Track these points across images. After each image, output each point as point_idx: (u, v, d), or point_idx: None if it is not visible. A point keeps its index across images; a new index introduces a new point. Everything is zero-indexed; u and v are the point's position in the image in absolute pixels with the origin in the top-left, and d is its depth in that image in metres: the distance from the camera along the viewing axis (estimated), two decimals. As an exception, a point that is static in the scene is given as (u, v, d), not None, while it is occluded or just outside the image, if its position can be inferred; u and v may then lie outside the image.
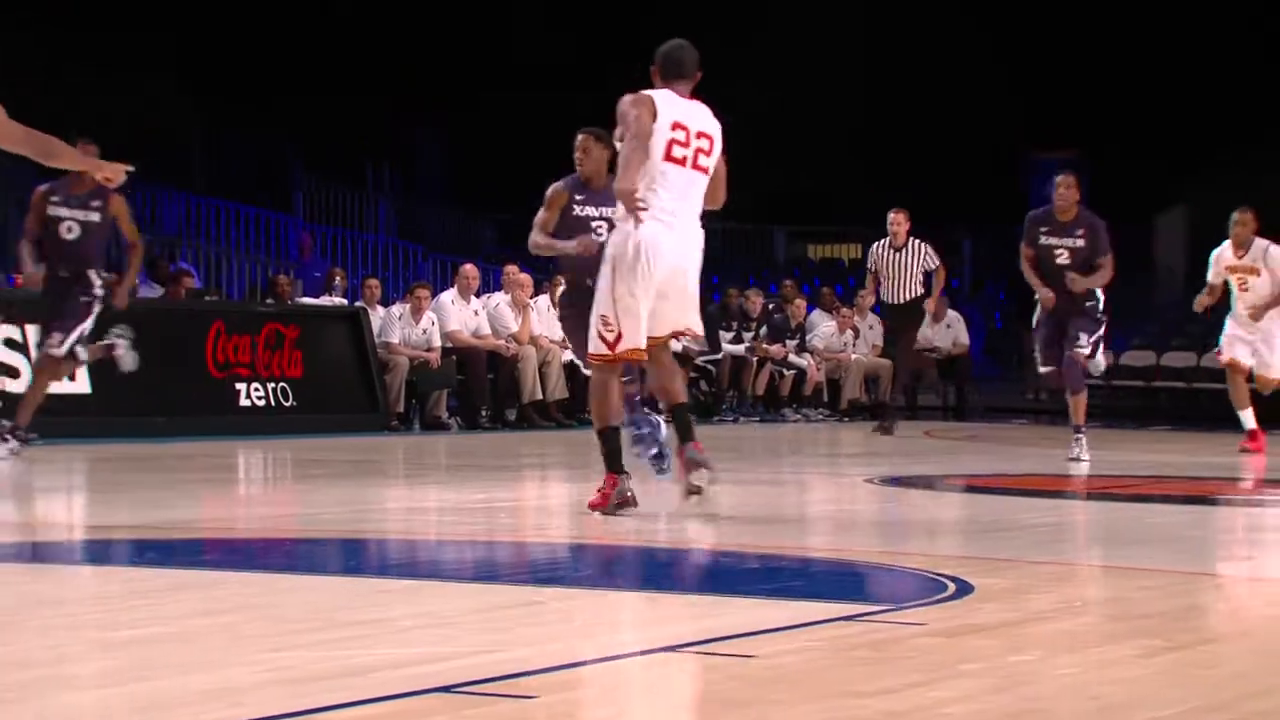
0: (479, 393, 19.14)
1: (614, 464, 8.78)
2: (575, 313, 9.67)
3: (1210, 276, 15.28)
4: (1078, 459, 13.55)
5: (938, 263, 18.21)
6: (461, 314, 19.27)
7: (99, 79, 26.48)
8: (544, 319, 19.53)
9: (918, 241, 18.12)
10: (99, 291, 13.32)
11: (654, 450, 9.71)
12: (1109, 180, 31.24)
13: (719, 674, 4.42)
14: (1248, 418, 15.29)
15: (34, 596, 5.97)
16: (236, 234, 27.30)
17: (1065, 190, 13.78)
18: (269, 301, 20.64)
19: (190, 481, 11.64)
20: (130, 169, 8.86)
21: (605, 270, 8.55)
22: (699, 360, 22.55)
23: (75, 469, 12.95)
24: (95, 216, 13.25)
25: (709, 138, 8.58)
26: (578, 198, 10.28)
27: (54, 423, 15.48)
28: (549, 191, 10.38)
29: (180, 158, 28.28)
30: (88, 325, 13.42)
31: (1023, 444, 17.72)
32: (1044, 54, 31.46)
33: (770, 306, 23.61)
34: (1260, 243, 15.04)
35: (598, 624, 5.40)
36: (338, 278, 21.67)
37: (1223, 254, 15.18)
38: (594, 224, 10.12)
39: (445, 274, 25.40)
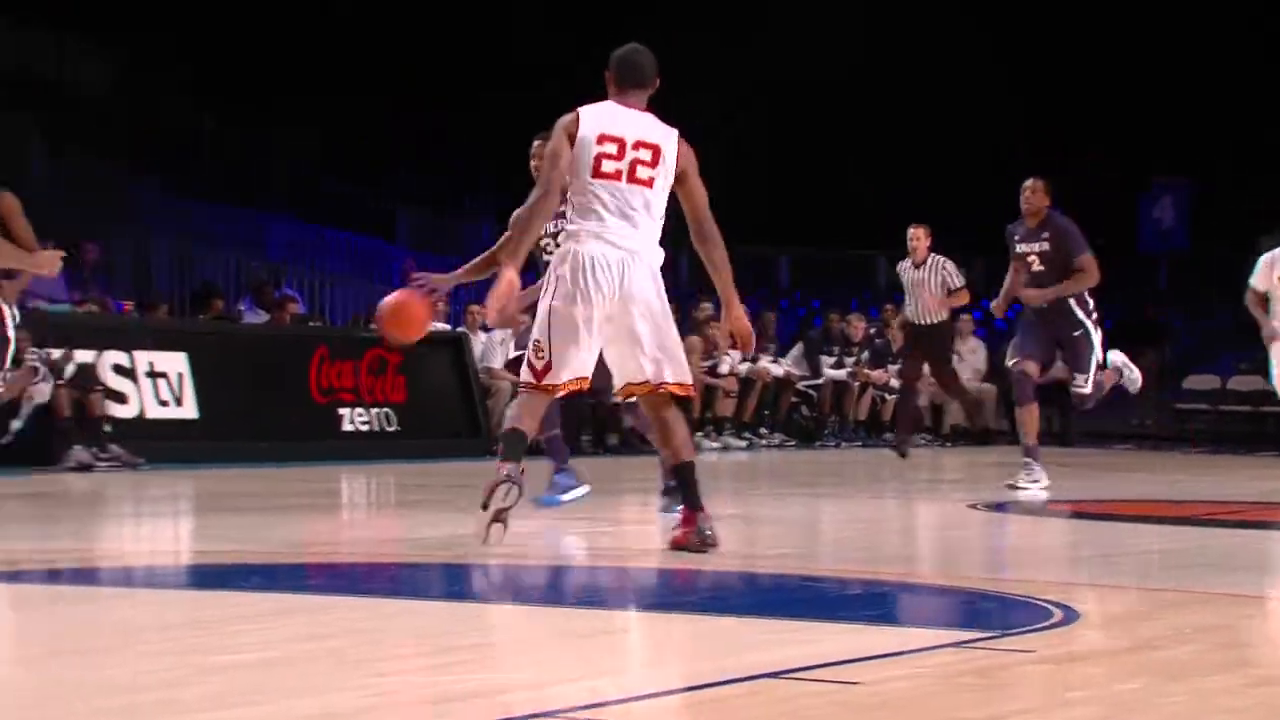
0: (580, 417, 19.14)
1: (510, 473, 7.95)
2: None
3: (1259, 282, 14.53)
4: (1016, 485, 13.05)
5: (960, 283, 17.23)
6: (563, 339, 19.32)
7: (200, 105, 26.78)
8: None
9: (939, 258, 17.27)
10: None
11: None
12: (1220, 206, 31.04)
13: (823, 700, 4.40)
14: None
15: (140, 621, 6.02)
16: (340, 260, 27.48)
17: (1030, 195, 13.29)
18: (372, 327, 20.73)
19: (294, 506, 11.70)
20: (64, 255, 8.75)
21: (544, 291, 8.02)
22: (800, 385, 22.52)
23: (181, 493, 13.06)
24: None
25: (651, 148, 7.92)
26: None
27: (161, 447, 15.65)
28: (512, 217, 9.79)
29: (286, 186, 28.54)
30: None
31: (1127, 470, 17.57)
32: (1162, 84, 31.26)
33: (872, 331, 23.54)
34: None
35: (700, 649, 5.39)
36: (440, 303, 21.75)
37: (1277, 261, 14.41)
38: (543, 241, 9.52)
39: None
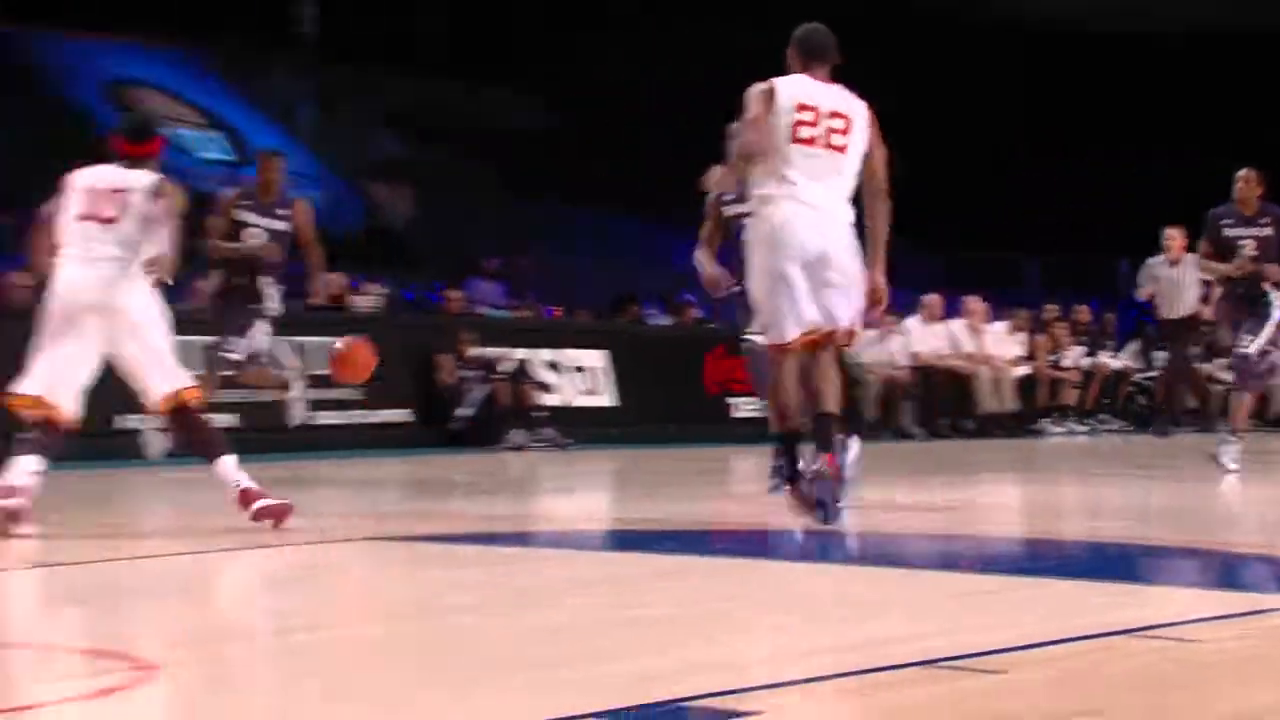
0: (940, 405, 18.97)
1: (793, 473, 7.36)
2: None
3: None
4: (1225, 466, 11.73)
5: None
6: (925, 336, 19.20)
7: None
8: (1000, 341, 19.41)
9: (1193, 256, 15.12)
10: (273, 305, 11.52)
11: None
12: None
13: (1166, 656, 4.21)
14: None
15: (566, 577, 6.07)
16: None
17: (1244, 185, 12.16)
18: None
19: (696, 481, 11.76)
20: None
21: (748, 259, 7.38)
22: (1137, 377, 21.87)
23: (601, 470, 13.23)
24: (281, 225, 11.49)
25: (844, 117, 7.24)
26: (726, 198, 8.99)
27: (585, 431, 15.96)
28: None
29: (688, 207, 28.81)
30: (261, 338, 11.51)
31: None
32: None
33: (1204, 329, 22.75)
34: None
35: (1055, 609, 5.21)
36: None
37: None
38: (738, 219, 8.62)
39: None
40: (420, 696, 3.68)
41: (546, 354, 16.77)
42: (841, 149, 7.23)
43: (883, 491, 9.71)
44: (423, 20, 27.82)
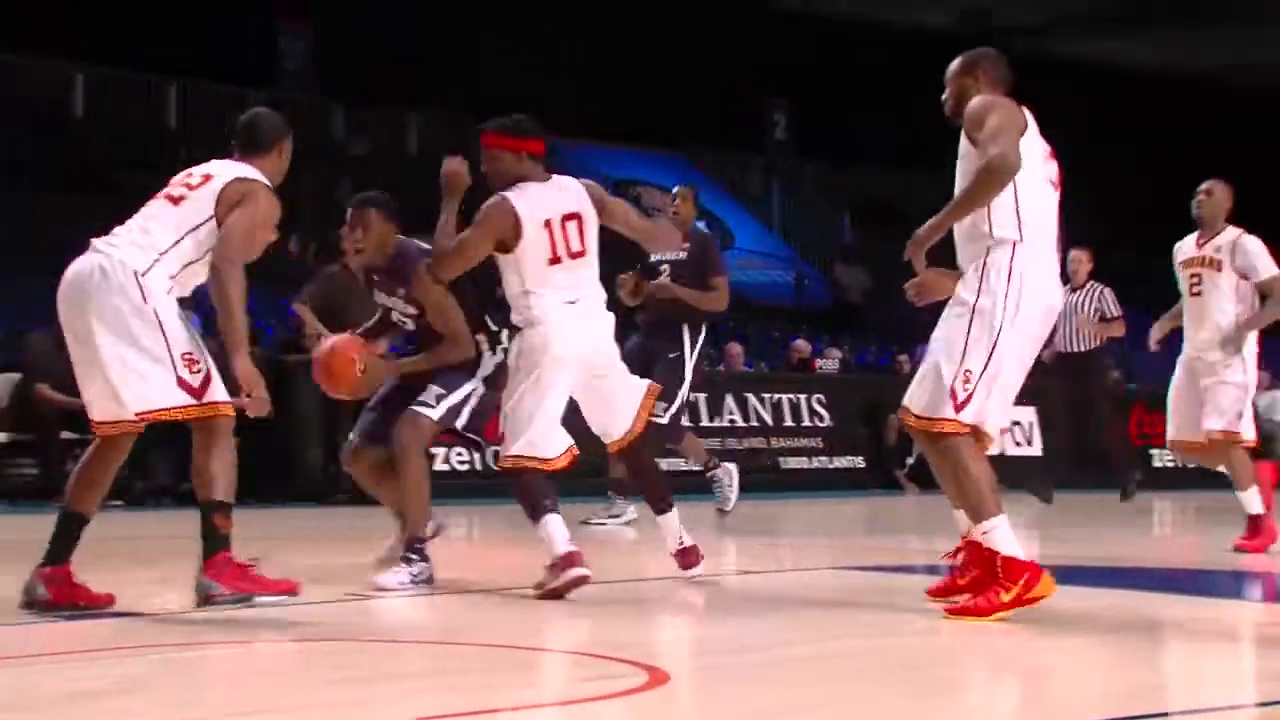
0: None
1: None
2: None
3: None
4: None
5: (1117, 312, 12.40)
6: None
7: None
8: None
9: (1097, 285, 12.36)
10: None
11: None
12: None
13: None
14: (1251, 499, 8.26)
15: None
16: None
17: None
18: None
19: (1112, 524, 11.37)
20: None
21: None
22: None
23: (1027, 510, 12.94)
24: None
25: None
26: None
27: (1017, 477, 15.78)
28: None
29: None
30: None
31: None
32: None
33: None
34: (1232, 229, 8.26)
35: None
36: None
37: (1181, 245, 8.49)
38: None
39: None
40: (892, 706, 3.66)
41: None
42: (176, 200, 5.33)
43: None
44: (868, 123, 28.06)
